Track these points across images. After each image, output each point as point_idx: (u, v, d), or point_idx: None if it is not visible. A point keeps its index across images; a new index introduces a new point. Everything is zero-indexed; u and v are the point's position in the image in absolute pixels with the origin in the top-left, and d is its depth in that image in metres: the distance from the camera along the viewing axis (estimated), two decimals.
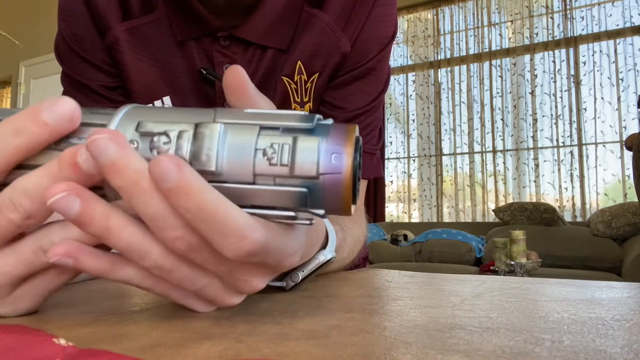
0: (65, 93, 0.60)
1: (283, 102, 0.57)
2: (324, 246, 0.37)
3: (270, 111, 0.23)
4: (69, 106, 0.22)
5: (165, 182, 0.20)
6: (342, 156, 0.21)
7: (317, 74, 0.57)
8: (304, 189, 0.21)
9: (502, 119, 4.00)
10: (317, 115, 0.23)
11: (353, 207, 0.23)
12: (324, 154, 0.21)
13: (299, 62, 0.56)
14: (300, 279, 0.35)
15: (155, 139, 0.22)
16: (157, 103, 0.56)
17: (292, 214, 0.22)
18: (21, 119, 0.22)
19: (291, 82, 0.56)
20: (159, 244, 0.23)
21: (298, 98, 0.57)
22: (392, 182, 4.46)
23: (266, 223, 0.22)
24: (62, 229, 0.23)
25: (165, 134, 0.22)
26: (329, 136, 0.22)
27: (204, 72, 0.55)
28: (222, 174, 0.22)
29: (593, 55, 3.72)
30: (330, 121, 0.23)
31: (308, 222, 0.23)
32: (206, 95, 0.57)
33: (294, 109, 0.57)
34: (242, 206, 0.22)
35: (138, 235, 0.22)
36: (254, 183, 0.22)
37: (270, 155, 0.21)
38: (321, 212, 0.22)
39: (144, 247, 0.22)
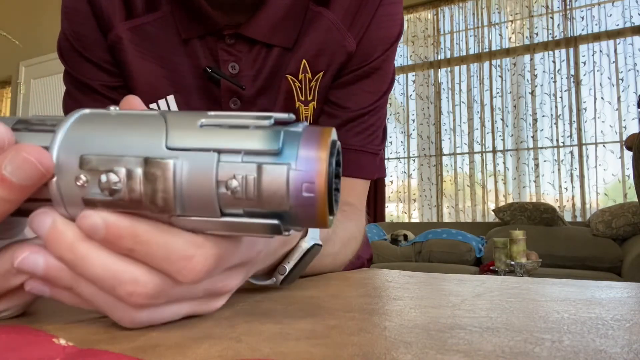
0: (67, 92, 0.60)
1: (287, 101, 0.57)
2: (305, 234, 0.37)
3: (228, 123, 0.20)
4: (35, 162, 0.20)
5: (95, 234, 0.21)
6: (315, 185, 0.19)
7: (321, 73, 0.56)
8: (275, 221, 0.20)
9: (502, 119, 4.00)
10: (284, 129, 0.20)
11: (331, 218, 0.21)
12: (294, 185, 0.19)
13: (304, 60, 0.56)
14: (287, 270, 0.35)
15: (103, 178, 0.20)
16: (161, 102, 0.56)
17: (270, 234, 0.21)
18: None
19: (295, 80, 0.56)
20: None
21: (302, 97, 0.57)
22: (392, 182, 4.46)
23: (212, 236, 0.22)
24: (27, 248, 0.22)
25: (113, 171, 0.20)
26: (298, 160, 0.19)
27: (209, 70, 0.55)
28: (185, 211, 0.20)
29: (593, 55, 3.71)
30: (300, 128, 0.21)
31: (287, 233, 0.22)
32: (211, 93, 0.56)
33: (298, 108, 0.57)
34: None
35: (101, 294, 0.22)
36: (222, 214, 0.20)
37: (234, 188, 0.19)
38: (298, 228, 0.22)
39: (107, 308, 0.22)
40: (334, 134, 0.21)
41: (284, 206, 0.20)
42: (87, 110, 0.22)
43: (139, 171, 0.20)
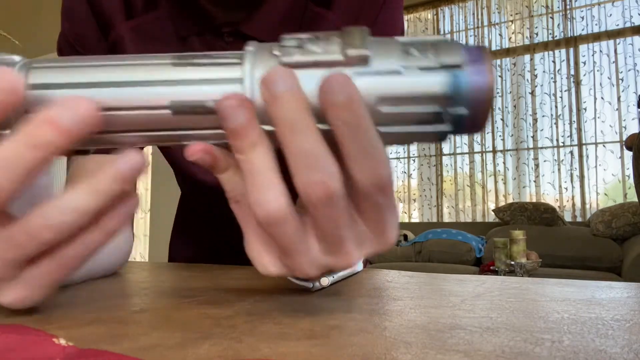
0: None
1: None
2: None
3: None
4: (87, 106, 0.21)
5: (336, 95, 0.20)
6: (484, 54, 0.23)
7: None
8: (450, 74, 0.22)
9: (502, 119, 4.00)
10: None
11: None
12: (467, 50, 0.23)
13: None
14: (329, 283, 0.35)
15: (303, 43, 0.22)
16: None
17: (438, 109, 0.22)
18: (37, 129, 0.20)
19: None
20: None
21: None
22: None
23: None
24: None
25: (315, 36, 0.22)
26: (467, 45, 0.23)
27: None
28: (371, 63, 0.22)
29: (593, 55, 3.72)
30: None
31: (450, 127, 0.23)
32: None
33: None
34: (381, 123, 0.22)
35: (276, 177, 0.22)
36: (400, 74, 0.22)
37: (415, 53, 0.22)
38: (464, 111, 0.22)
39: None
40: None
41: (459, 60, 0.22)
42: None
43: (339, 34, 0.23)
